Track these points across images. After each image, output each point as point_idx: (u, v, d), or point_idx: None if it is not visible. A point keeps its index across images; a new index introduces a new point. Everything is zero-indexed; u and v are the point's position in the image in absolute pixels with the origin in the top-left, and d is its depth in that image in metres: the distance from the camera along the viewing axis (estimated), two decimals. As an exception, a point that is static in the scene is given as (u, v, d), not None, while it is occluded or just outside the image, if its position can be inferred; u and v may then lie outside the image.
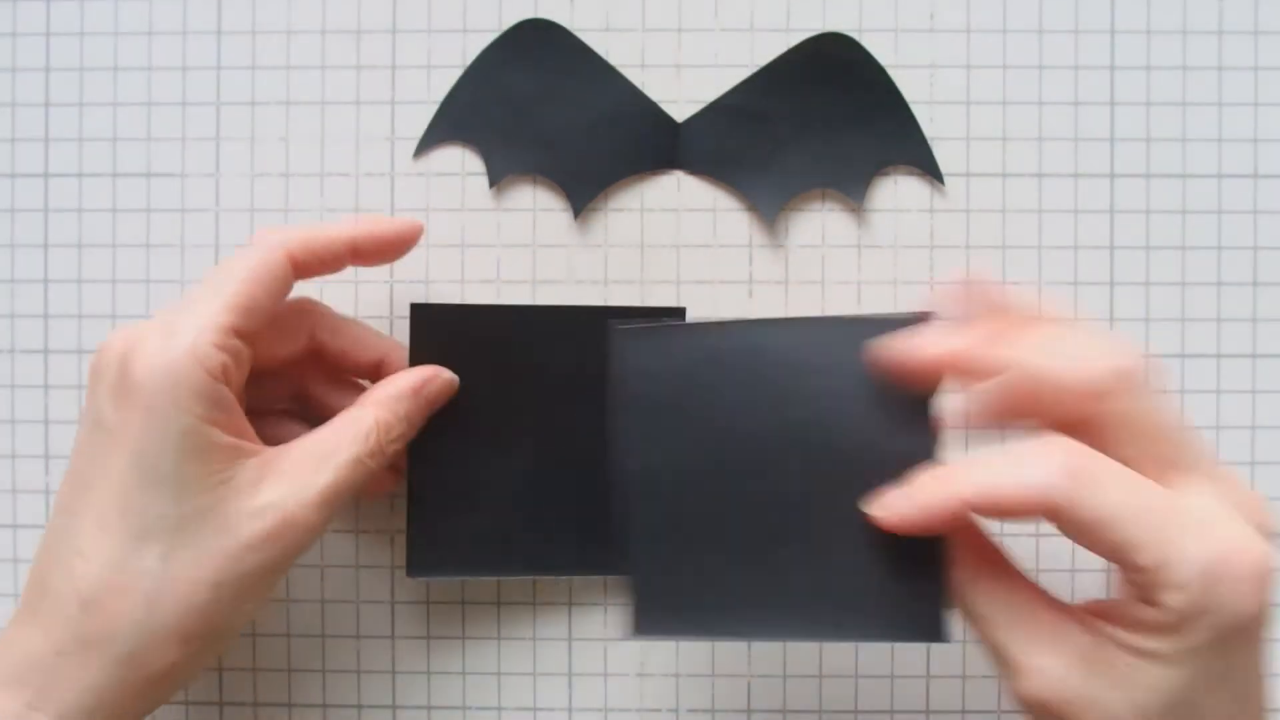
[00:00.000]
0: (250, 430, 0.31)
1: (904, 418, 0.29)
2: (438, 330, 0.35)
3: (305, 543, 0.30)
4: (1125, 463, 0.27)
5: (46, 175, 0.38)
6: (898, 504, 0.28)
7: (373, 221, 0.34)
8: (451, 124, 0.38)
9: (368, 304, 0.38)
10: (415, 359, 0.34)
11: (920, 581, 0.29)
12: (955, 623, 0.29)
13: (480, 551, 0.35)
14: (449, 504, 0.35)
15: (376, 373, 0.35)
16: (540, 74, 0.38)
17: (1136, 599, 0.27)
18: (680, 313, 0.36)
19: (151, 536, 0.29)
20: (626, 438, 0.30)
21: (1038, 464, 0.26)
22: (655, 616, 0.29)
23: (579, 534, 0.35)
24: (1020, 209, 0.38)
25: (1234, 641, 0.26)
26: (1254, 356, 0.38)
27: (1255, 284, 0.38)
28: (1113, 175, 0.38)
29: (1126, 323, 0.38)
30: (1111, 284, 0.38)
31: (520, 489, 0.35)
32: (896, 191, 0.38)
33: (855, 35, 0.37)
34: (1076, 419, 0.27)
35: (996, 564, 0.29)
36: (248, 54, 0.38)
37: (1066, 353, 0.28)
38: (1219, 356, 0.38)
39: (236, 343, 0.30)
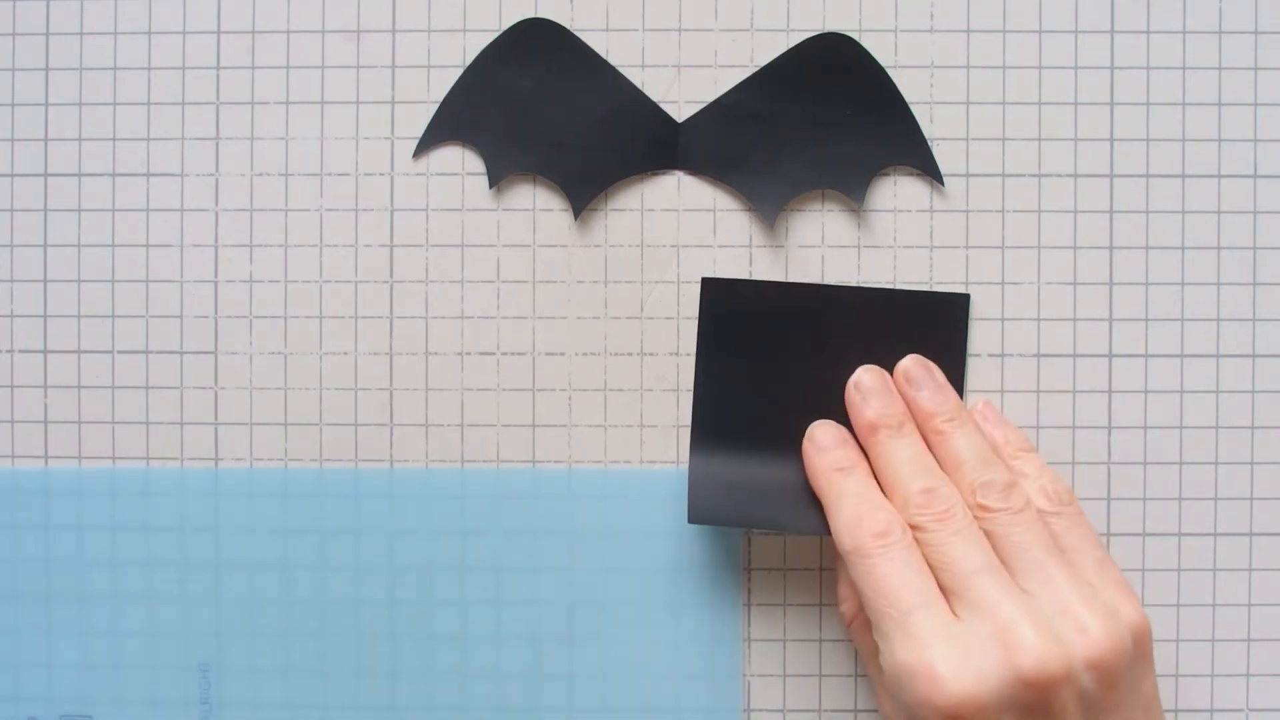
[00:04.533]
0: None
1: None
2: (727, 303, 0.37)
3: None
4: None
5: (46, 175, 0.38)
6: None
7: None
8: (451, 124, 0.38)
9: (368, 304, 0.38)
10: (704, 328, 0.37)
11: None
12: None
13: (755, 505, 0.36)
14: (729, 457, 0.37)
15: None
16: (540, 74, 0.38)
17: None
18: (965, 298, 0.38)
19: None
20: (704, 363, 0.37)
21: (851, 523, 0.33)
22: (705, 508, 0.36)
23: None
24: (1020, 209, 0.38)
25: None
26: (1254, 356, 0.38)
27: (1255, 284, 0.38)
28: (1112, 175, 0.38)
29: (1126, 323, 0.38)
30: (1111, 284, 0.38)
31: (790, 451, 0.37)
32: (896, 192, 0.38)
33: (855, 35, 0.37)
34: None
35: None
36: (248, 54, 0.38)
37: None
38: (1218, 356, 0.38)
39: None
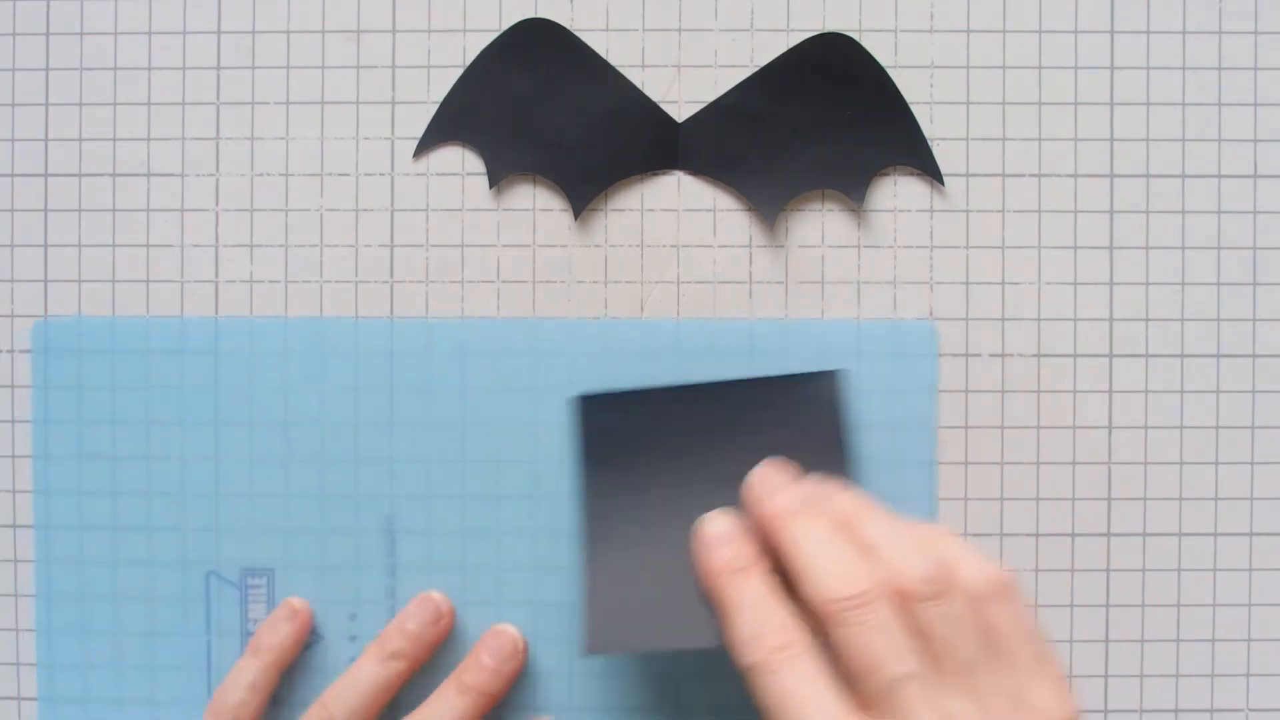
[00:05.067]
0: None
1: (812, 467, 0.35)
2: (602, 417, 0.36)
3: None
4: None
5: (46, 175, 0.38)
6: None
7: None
8: (451, 124, 0.38)
9: (368, 304, 0.38)
10: (582, 444, 0.36)
11: None
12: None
13: (656, 626, 0.34)
14: (625, 580, 0.35)
15: None
16: (540, 74, 0.38)
17: None
18: (836, 375, 0.36)
19: None
20: (586, 481, 0.36)
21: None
22: (605, 637, 0.34)
23: None
24: (1020, 209, 0.38)
25: None
26: (1254, 356, 0.38)
27: (1255, 284, 0.38)
28: (1112, 175, 0.38)
29: (1126, 323, 0.38)
30: (1111, 284, 0.38)
31: (686, 559, 0.35)
32: (896, 191, 0.38)
33: (855, 35, 0.37)
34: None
35: None
36: (248, 54, 0.38)
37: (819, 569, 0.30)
38: (1218, 356, 0.38)
39: None
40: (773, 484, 0.33)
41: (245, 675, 0.36)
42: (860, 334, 0.38)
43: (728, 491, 0.34)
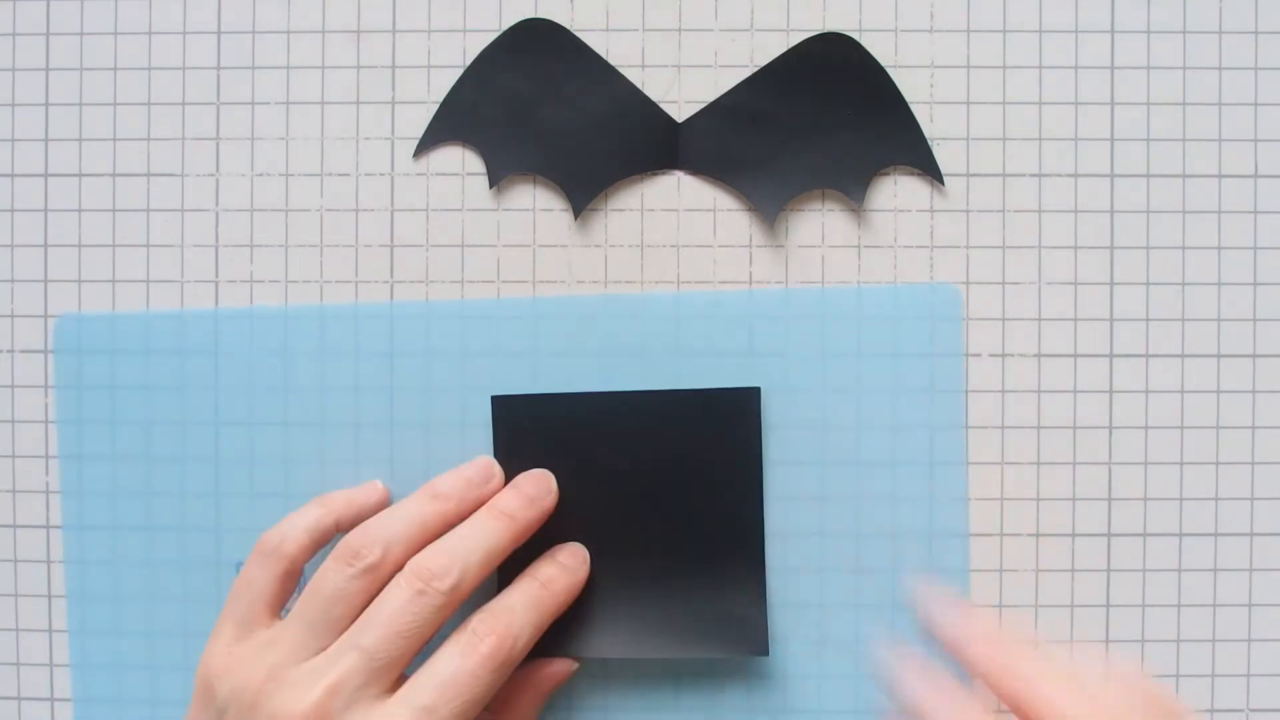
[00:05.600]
0: None
1: (729, 481, 0.36)
2: (519, 419, 0.36)
3: None
4: None
5: (46, 175, 0.38)
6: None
7: (343, 504, 0.36)
8: (451, 124, 0.38)
9: (368, 304, 0.38)
10: (498, 445, 0.36)
11: (747, 607, 0.36)
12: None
13: (563, 633, 0.36)
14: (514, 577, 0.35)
15: None
16: (540, 74, 0.38)
17: None
18: (755, 392, 0.37)
19: None
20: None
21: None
22: None
23: (664, 617, 0.36)
24: (1020, 209, 0.38)
25: None
26: (1254, 356, 0.38)
27: (1255, 284, 0.38)
28: (1113, 175, 0.38)
29: (1126, 323, 0.38)
30: (1111, 284, 0.38)
31: (604, 572, 0.36)
32: (896, 191, 0.38)
33: (855, 35, 0.37)
34: None
35: None
36: (248, 54, 0.38)
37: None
38: (1219, 356, 0.38)
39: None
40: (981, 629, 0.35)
41: (305, 518, 0.35)
42: (861, 334, 0.38)
43: (634, 497, 0.36)
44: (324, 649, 0.32)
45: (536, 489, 0.36)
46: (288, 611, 0.34)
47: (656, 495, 0.36)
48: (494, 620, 0.33)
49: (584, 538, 0.36)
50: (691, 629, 0.36)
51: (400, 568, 0.33)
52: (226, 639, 0.33)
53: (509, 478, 0.36)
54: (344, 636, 0.32)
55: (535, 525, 0.35)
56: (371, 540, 0.33)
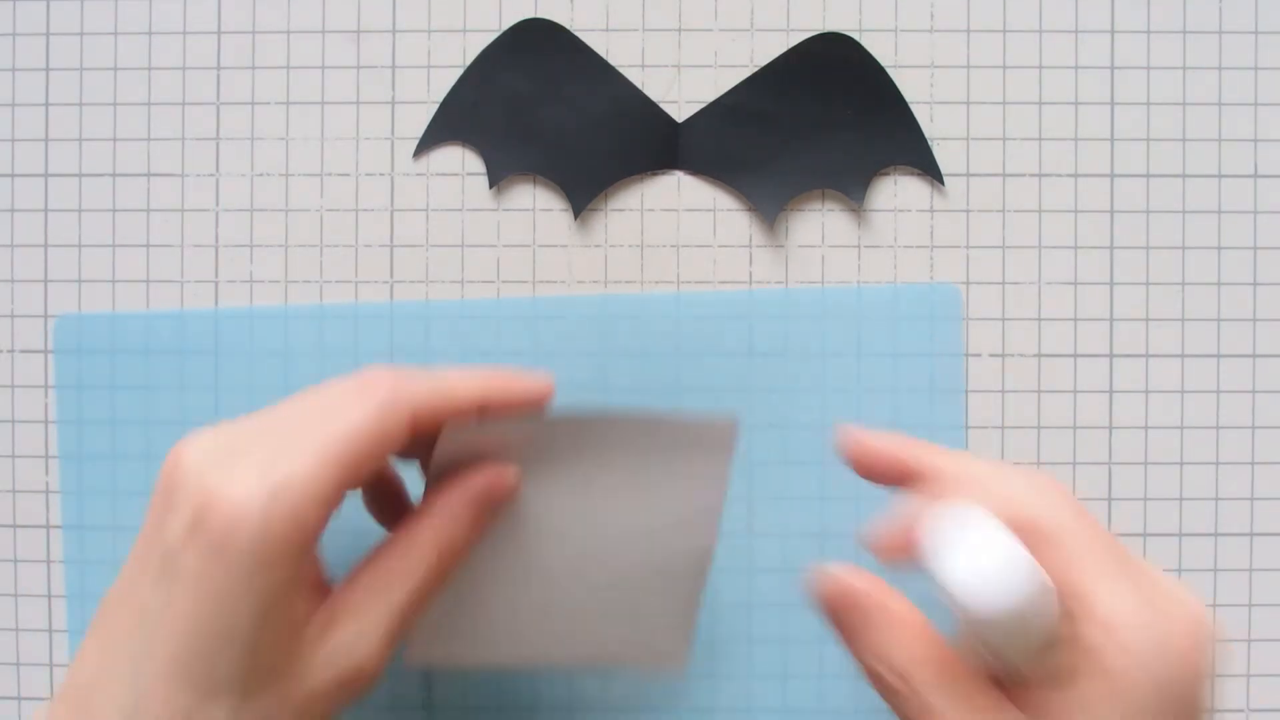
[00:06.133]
0: (323, 570, 0.30)
1: (680, 509, 0.32)
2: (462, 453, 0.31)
3: (373, 682, 0.29)
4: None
5: (46, 175, 0.38)
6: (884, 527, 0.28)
7: (504, 381, 0.31)
8: (451, 124, 0.38)
9: (368, 304, 0.38)
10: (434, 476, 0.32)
11: (673, 626, 0.33)
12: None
13: (480, 644, 0.33)
14: (462, 592, 0.32)
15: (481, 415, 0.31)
16: (540, 74, 0.38)
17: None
18: (732, 426, 0.32)
19: (220, 693, 0.26)
20: None
21: (1040, 489, 0.27)
22: (425, 649, 0.32)
23: (580, 625, 0.33)
24: (1020, 209, 0.38)
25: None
26: (1254, 356, 0.38)
27: (1255, 284, 0.38)
28: (1113, 175, 0.38)
29: (1126, 323, 0.38)
30: (1111, 284, 0.38)
31: (521, 583, 0.33)
32: (896, 191, 0.38)
33: (855, 35, 0.37)
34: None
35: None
36: (248, 54, 0.38)
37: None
38: (1219, 356, 0.38)
39: (338, 500, 0.28)
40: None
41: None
42: (861, 333, 0.38)
43: (598, 532, 0.32)
44: None
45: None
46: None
47: (607, 519, 0.33)
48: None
49: (521, 553, 0.33)
50: (610, 642, 0.33)
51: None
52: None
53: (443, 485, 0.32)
54: None
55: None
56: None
